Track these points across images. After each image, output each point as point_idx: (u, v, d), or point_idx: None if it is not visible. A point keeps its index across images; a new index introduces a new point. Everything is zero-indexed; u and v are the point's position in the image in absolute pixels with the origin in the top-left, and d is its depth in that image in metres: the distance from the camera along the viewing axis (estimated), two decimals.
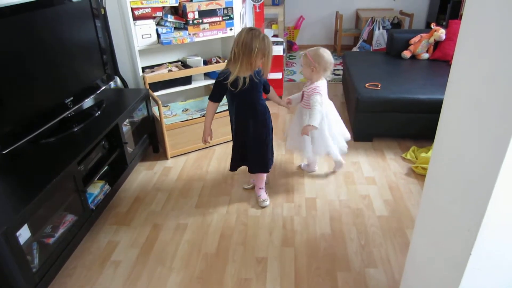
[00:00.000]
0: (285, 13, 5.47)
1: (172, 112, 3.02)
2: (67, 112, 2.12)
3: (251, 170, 2.36)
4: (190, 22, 2.79)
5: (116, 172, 2.42)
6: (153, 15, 2.71)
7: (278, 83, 3.89)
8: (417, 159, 2.77)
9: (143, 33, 2.69)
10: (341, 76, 4.54)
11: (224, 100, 2.17)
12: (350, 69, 3.45)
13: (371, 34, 5.10)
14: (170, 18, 2.79)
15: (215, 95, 2.13)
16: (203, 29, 2.86)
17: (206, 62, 3.14)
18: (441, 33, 3.54)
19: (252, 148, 2.21)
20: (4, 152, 1.71)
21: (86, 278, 1.88)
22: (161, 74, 2.85)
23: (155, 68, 2.97)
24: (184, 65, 3.08)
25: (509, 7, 0.80)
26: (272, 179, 2.61)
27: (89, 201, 2.08)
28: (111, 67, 2.59)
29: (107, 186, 2.27)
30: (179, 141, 2.89)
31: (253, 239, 2.10)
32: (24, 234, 1.59)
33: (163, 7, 2.77)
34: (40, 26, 1.91)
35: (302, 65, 2.39)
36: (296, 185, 2.55)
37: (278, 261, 1.95)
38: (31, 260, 1.64)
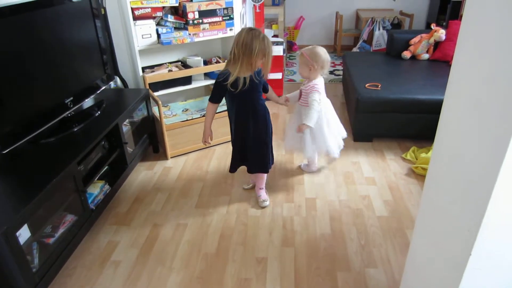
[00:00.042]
0: (285, 13, 5.47)
1: (172, 112, 3.02)
2: (67, 112, 2.12)
3: (251, 170, 2.37)
4: (190, 22, 2.79)
5: (116, 172, 2.42)
6: (153, 15, 2.71)
7: (278, 83, 3.89)
8: (417, 159, 2.77)
9: (143, 33, 2.69)
10: (341, 77, 4.55)
11: (223, 100, 2.17)
12: (350, 69, 3.45)
13: (371, 34, 5.10)
14: (170, 18, 2.79)
15: (215, 96, 2.12)
16: (203, 29, 2.86)
17: (206, 62, 3.14)
18: (441, 33, 3.54)
19: (252, 148, 2.21)
20: (4, 152, 1.71)
21: (86, 278, 1.88)
22: (161, 74, 2.85)
23: (155, 68, 2.97)
24: (184, 65, 3.08)
25: (509, 7, 0.80)
26: (272, 179, 2.61)
27: (89, 201, 2.08)
28: (111, 67, 2.59)
29: (107, 186, 2.27)
30: (179, 141, 2.89)
31: (253, 239, 2.10)
32: (24, 234, 1.59)
33: (163, 7, 2.77)
34: (40, 26, 1.91)
35: (299, 65, 2.38)
36: (296, 185, 2.55)
37: (278, 261, 1.95)
38: (31, 260, 1.64)
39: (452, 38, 3.49)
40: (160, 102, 2.68)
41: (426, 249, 1.30)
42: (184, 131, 2.86)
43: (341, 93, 4.08)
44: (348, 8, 5.54)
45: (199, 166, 2.81)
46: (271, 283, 1.83)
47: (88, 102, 2.40)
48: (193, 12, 2.77)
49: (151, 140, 2.91)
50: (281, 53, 3.80)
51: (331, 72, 4.77)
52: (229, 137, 2.50)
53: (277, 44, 3.88)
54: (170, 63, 3.09)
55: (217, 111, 2.22)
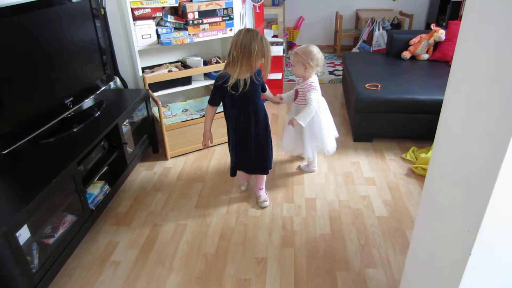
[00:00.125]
0: (285, 14, 5.47)
1: (172, 113, 3.02)
2: (67, 113, 2.12)
3: (251, 171, 2.36)
4: (190, 22, 2.79)
5: (116, 173, 2.42)
6: (153, 15, 2.71)
7: (278, 83, 3.89)
8: (416, 159, 2.77)
9: (143, 33, 2.69)
10: (341, 77, 4.55)
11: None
12: (350, 69, 3.45)
13: (371, 34, 5.11)
14: (170, 18, 2.79)
15: (214, 99, 2.11)
16: (203, 29, 2.86)
17: (206, 63, 3.14)
18: (441, 33, 3.54)
19: (254, 149, 2.20)
20: (4, 152, 1.71)
21: (86, 279, 1.88)
22: (161, 75, 2.85)
23: (155, 68, 2.97)
24: (184, 65, 3.08)
25: (509, 7, 0.81)
26: (272, 179, 2.61)
27: (89, 201, 2.07)
28: (111, 67, 2.59)
29: (107, 187, 2.27)
30: (179, 142, 2.89)
31: (252, 239, 2.10)
32: (24, 234, 1.59)
33: (163, 8, 2.77)
34: (40, 27, 1.91)
35: (293, 65, 2.38)
36: (295, 186, 2.55)
37: (278, 262, 1.95)
38: (31, 261, 1.64)
39: (451, 38, 3.49)
40: (160, 103, 2.68)
41: (426, 249, 1.30)
42: (184, 132, 2.86)
43: (341, 93, 4.08)
44: (348, 8, 5.55)
45: (199, 167, 2.81)
46: (270, 283, 1.83)
47: (88, 103, 2.40)
48: (193, 12, 2.77)
49: (151, 140, 2.90)
50: (281, 54, 3.80)
51: (330, 72, 4.77)
52: None
53: (277, 45, 3.89)
54: (170, 63, 3.09)
55: (217, 111, 2.21)
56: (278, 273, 1.88)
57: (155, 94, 2.86)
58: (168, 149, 2.87)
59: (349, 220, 2.23)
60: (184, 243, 2.09)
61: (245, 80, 1.98)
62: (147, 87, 2.77)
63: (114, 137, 2.35)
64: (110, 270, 1.93)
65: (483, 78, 0.92)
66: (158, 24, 2.79)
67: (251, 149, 2.20)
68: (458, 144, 1.04)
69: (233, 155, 2.28)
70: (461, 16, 4.20)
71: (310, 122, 2.42)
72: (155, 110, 2.89)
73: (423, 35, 3.64)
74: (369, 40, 5.18)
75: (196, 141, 2.93)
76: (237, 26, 3.01)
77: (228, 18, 2.94)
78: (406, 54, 3.67)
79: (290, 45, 5.62)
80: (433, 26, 3.67)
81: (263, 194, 2.40)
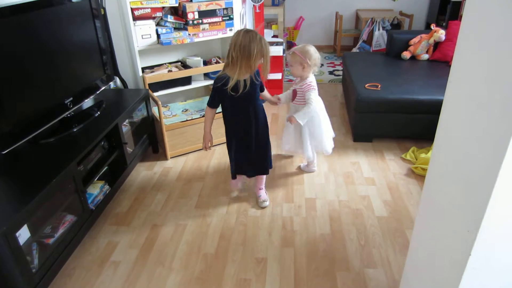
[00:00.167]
0: (285, 14, 5.47)
1: (172, 113, 3.02)
2: (67, 113, 2.12)
3: (252, 174, 2.33)
4: (190, 22, 2.79)
5: (116, 173, 2.42)
6: (153, 15, 2.71)
7: (278, 83, 3.89)
8: (416, 159, 2.77)
9: (143, 33, 2.69)
10: (341, 77, 4.55)
11: None
12: (350, 69, 3.46)
13: (371, 34, 5.11)
14: (170, 18, 2.79)
15: (214, 101, 2.10)
16: (203, 29, 2.86)
17: (206, 63, 3.14)
18: (440, 34, 3.54)
19: (255, 150, 2.20)
20: (4, 152, 1.71)
21: (86, 279, 1.88)
22: (161, 75, 2.85)
23: (155, 68, 2.97)
24: (184, 65, 3.08)
25: (509, 7, 0.81)
26: (271, 180, 2.61)
27: (89, 201, 2.07)
28: (110, 67, 2.59)
29: (106, 187, 2.27)
30: (178, 142, 2.89)
31: (252, 239, 2.10)
32: (23, 234, 1.59)
33: (163, 8, 2.77)
34: (40, 26, 1.91)
35: (290, 65, 2.37)
36: (295, 186, 2.55)
37: (278, 262, 1.95)
38: (31, 261, 1.64)
39: (451, 38, 3.50)
40: (159, 103, 2.68)
41: (426, 249, 1.30)
42: (184, 132, 2.86)
43: (341, 93, 4.09)
44: (348, 9, 5.55)
45: (198, 167, 2.81)
46: (270, 283, 1.83)
47: (87, 103, 2.40)
48: (193, 12, 2.77)
49: (151, 140, 2.90)
50: (281, 54, 3.80)
51: (330, 72, 4.77)
52: None
53: (276, 45, 3.89)
54: (170, 63, 3.09)
55: (216, 111, 2.20)
56: (278, 273, 1.88)
57: (155, 94, 2.86)
58: (168, 149, 2.87)
59: (349, 220, 2.23)
60: (184, 243, 2.09)
61: (245, 81, 1.97)
62: (147, 87, 2.77)
63: (114, 137, 2.35)
64: (110, 270, 1.93)
65: (483, 78, 0.92)
66: (158, 24, 2.79)
67: (252, 150, 2.19)
68: (458, 144, 1.04)
69: (233, 159, 2.25)
70: (461, 16, 4.20)
71: (310, 122, 2.43)
72: (155, 110, 2.89)
73: (423, 35, 3.64)
74: (369, 40, 5.18)
75: (196, 141, 2.93)
76: (237, 26, 3.01)
77: (228, 18, 2.94)
78: (406, 54, 3.67)
79: (290, 45, 5.62)
80: (433, 26, 3.67)
81: (263, 194, 2.40)
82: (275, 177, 2.65)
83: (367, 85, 3.03)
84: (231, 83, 1.95)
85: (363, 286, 1.80)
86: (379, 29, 5.01)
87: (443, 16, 4.99)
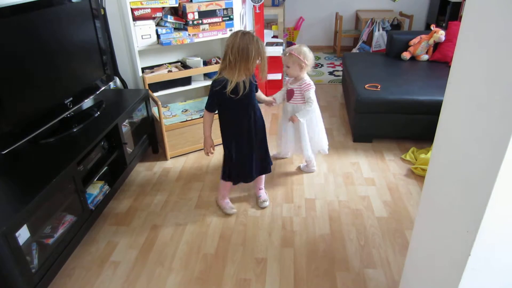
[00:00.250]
0: (285, 14, 5.47)
1: (172, 113, 3.02)
2: (67, 113, 2.12)
3: (256, 174, 2.27)
4: (190, 22, 2.79)
5: (116, 173, 2.42)
6: (153, 15, 2.71)
7: (277, 83, 3.89)
8: (416, 160, 2.77)
9: (143, 33, 2.69)
10: (340, 77, 4.55)
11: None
12: (350, 70, 3.46)
13: (370, 35, 5.11)
14: (170, 18, 2.79)
15: (212, 105, 2.06)
16: (203, 29, 2.86)
17: (205, 63, 3.14)
18: (440, 34, 3.55)
19: (256, 150, 2.19)
20: (4, 152, 1.71)
21: (86, 279, 1.88)
22: (161, 75, 2.85)
23: (154, 68, 2.97)
24: (184, 65, 3.08)
25: (509, 8, 0.81)
26: (271, 180, 2.61)
27: (89, 201, 2.07)
28: (110, 67, 2.59)
29: (106, 187, 2.27)
30: (178, 142, 2.89)
31: (252, 239, 2.10)
32: (23, 234, 1.59)
33: (163, 8, 2.77)
34: (40, 27, 1.91)
35: (287, 66, 2.38)
36: (295, 186, 2.55)
37: (278, 262, 1.95)
38: (31, 261, 1.64)
39: (451, 39, 3.50)
40: (159, 103, 2.68)
41: (426, 249, 1.30)
42: (183, 132, 2.86)
43: (341, 93, 4.09)
44: (347, 9, 5.55)
45: (198, 167, 2.81)
46: (270, 283, 1.83)
47: (87, 103, 2.41)
48: (193, 12, 2.77)
49: (151, 140, 2.91)
50: (281, 54, 3.80)
51: (330, 73, 4.77)
52: None
53: (276, 45, 3.89)
54: (170, 63, 3.09)
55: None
56: (278, 273, 1.88)
57: (155, 94, 2.86)
58: (167, 149, 2.87)
59: (349, 220, 2.23)
60: (183, 243, 2.09)
61: (244, 82, 1.97)
62: (147, 87, 2.77)
63: (114, 137, 2.35)
64: (109, 270, 1.93)
65: (482, 79, 0.92)
66: (158, 24, 2.79)
67: (255, 150, 2.18)
68: (458, 145, 1.05)
69: (235, 162, 2.18)
70: (461, 17, 4.20)
71: (309, 121, 2.45)
72: (154, 110, 2.89)
73: (423, 36, 3.64)
74: (369, 41, 5.19)
75: (196, 142, 2.93)
76: (237, 26, 3.02)
77: (228, 18, 2.94)
78: (406, 55, 3.67)
79: (290, 46, 5.62)
80: (433, 27, 3.67)
81: (263, 194, 2.40)
82: (275, 177, 2.65)
83: (367, 85, 3.03)
84: (230, 86, 1.94)
85: (362, 286, 1.80)
86: (379, 30, 5.01)
87: (443, 16, 5.00)
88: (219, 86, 1.97)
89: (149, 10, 2.67)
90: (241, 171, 2.23)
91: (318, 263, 1.94)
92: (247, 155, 2.18)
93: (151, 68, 2.99)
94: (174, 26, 2.82)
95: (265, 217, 2.28)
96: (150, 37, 2.73)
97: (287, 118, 2.51)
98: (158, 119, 2.78)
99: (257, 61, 1.96)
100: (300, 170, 2.73)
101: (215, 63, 3.13)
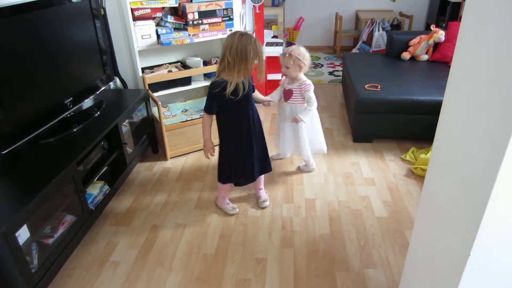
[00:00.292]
0: (285, 14, 5.47)
1: (172, 113, 3.02)
2: (67, 113, 2.12)
3: (257, 174, 2.27)
4: (190, 22, 2.79)
5: (116, 173, 2.42)
6: (153, 15, 2.71)
7: (277, 83, 3.89)
8: (416, 160, 2.77)
9: (143, 33, 2.69)
10: (340, 77, 4.55)
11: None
12: (350, 70, 3.46)
13: (370, 35, 5.11)
14: (170, 18, 2.79)
15: (212, 107, 2.03)
16: (203, 29, 2.87)
17: (205, 63, 3.15)
18: (440, 34, 3.55)
19: (257, 150, 2.20)
20: (4, 152, 1.71)
21: (86, 279, 1.88)
22: (161, 75, 2.85)
23: (154, 68, 2.97)
24: (184, 65, 3.08)
25: (508, 8, 0.81)
26: (271, 180, 2.61)
27: (89, 201, 2.07)
28: (110, 67, 2.59)
29: (106, 187, 2.27)
30: (178, 142, 2.89)
31: (252, 239, 2.10)
32: (23, 234, 1.59)
33: (163, 8, 2.78)
34: (40, 27, 1.91)
35: (286, 66, 2.38)
36: (295, 186, 2.55)
37: (278, 262, 1.95)
38: (30, 261, 1.64)
39: (451, 39, 3.50)
40: (159, 103, 2.68)
41: (425, 250, 1.30)
42: (183, 132, 2.86)
43: (341, 94, 4.09)
44: (347, 9, 5.55)
45: (198, 167, 2.81)
46: (270, 283, 1.83)
47: (87, 103, 2.41)
48: (193, 12, 2.77)
49: (151, 140, 2.91)
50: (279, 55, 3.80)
51: (330, 73, 4.77)
52: None
53: (276, 45, 3.89)
54: (170, 63, 3.09)
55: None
56: (277, 273, 1.88)
57: (155, 94, 2.86)
58: (167, 149, 2.87)
59: (349, 220, 2.23)
60: (183, 243, 2.09)
61: (243, 83, 1.97)
62: (147, 88, 2.77)
63: (113, 137, 2.35)
64: (109, 270, 1.93)
65: (482, 79, 0.92)
66: (158, 25, 2.79)
67: (255, 150, 2.18)
68: (458, 145, 1.05)
69: (235, 166, 2.19)
70: (460, 17, 4.21)
71: (309, 122, 2.46)
72: (154, 110, 2.89)
73: (423, 36, 3.65)
74: (368, 41, 5.19)
75: (195, 142, 2.93)
76: (237, 26, 3.02)
77: (228, 18, 2.94)
78: (405, 55, 3.67)
79: (289, 46, 5.62)
80: (432, 27, 3.67)
81: (263, 194, 2.40)
82: (275, 177, 2.65)
83: (367, 85, 3.03)
84: (230, 87, 1.93)
85: (362, 287, 1.80)
86: (379, 30, 5.01)
87: (443, 17, 5.00)
88: (219, 88, 1.95)
89: (149, 10, 2.67)
90: (242, 171, 2.22)
91: (318, 263, 1.94)
92: (247, 155, 2.17)
93: (151, 68, 2.99)
94: (174, 26, 2.82)
95: (265, 217, 2.28)
96: (150, 37, 2.73)
97: (285, 118, 2.51)
98: (158, 119, 2.78)
99: (255, 62, 1.95)
100: (300, 170, 2.73)
101: (215, 63, 3.13)
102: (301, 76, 2.43)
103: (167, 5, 2.73)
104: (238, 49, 1.87)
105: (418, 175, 2.63)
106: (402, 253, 1.98)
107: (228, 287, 1.82)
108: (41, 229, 1.76)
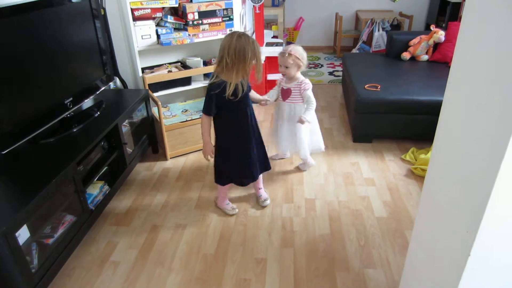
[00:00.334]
0: (285, 14, 5.48)
1: (172, 113, 3.02)
2: (67, 113, 2.12)
3: (257, 175, 2.28)
4: (190, 23, 2.79)
5: (116, 173, 2.42)
6: (153, 15, 2.71)
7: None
8: (416, 160, 2.77)
9: (143, 33, 2.69)
10: (340, 78, 4.55)
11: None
12: (350, 70, 3.46)
13: (370, 35, 5.11)
14: (170, 18, 2.79)
15: (211, 108, 2.01)
16: (203, 30, 2.87)
17: (205, 63, 3.15)
18: (440, 34, 3.55)
19: (256, 149, 2.20)
20: (4, 152, 1.71)
21: (85, 279, 1.88)
22: (161, 75, 2.85)
23: (154, 68, 2.97)
24: (184, 65, 3.08)
25: (509, 8, 0.81)
26: (271, 180, 2.62)
27: (89, 201, 2.07)
28: (110, 67, 2.59)
29: (106, 187, 2.27)
30: (178, 142, 2.89)
31: (252, 239, 2.10)
32: (23, 234, 1.59)
33: (163, 8, 2.78)
34: (40, 27, 1.91)
35: (286, 66, 2.37)
36: (295, 186, 2.55)
37: (277, 262, 1.95)
38: (30, 261, 1.64)
39: (451, 39, 3.50)
40: (159, 103, 2.68)
41: (425, 250, 1.30)
42: (183, 132, 2.87)
43: (341, 94, 4.09)
44: (347, 9, 5.55)
45: (198, 167, 2.81)
46: (270, 283, 1.83)
47: (87, 103, 2.41)
48: (193, 13, 2.77)
49: (151, 140, 2.91)
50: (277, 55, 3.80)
51: (330, 73, 4.77)
52: None
53: (276, 45, 3.89)
54: (170, 63, 3.10)
55: None
56: (277, 273, 1.88)
57: (155, 94, 2.86)
58: (167, 149, 2.87)
59: (349, 220, 2.23)
60: (183, 243, 2.09)
61: (241, 83, 1.97)
62: (147, 88, 2.77)
63: (113, 137, 2.35)
64: (109, 270, 1.93)
65: (482, 79, 0.92)
66: (158, 25, 2.79)
67: (255, 150, 2.18)
68: (458, 145, 1.05)
69: (234, 166, 2.19)
70: (460, 17, 4.21)
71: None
72: (154, 110, 2.89)
73: (423, 36, 3.65)
74: (368, 41, 5.19)
75: (195, 142, 2.93)
76: (237, 26, 3.02)
77: (228, 18, 2.94)
78: (405, 55, 3.67)
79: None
80: (432, 27, 3.67)
81: (264, 193, 2.40)
82: (275, 177, 2.65)
83: (367, 86, 3.03)
84: (230, 89, 1.92)
85: (362, 287, 1.80)
86: (378, 30, 5.01)
87: (443, 17, 5.00)
88: (219, 89, 1.94)
89: (149, 10, 2.68)
90: (243, 171, 2.22)
91: (318, 263, 1.94)
92: (248, 155, 2.17)
93: (151, 68, 2.99)
94: (174, 26, 2.82)
95: (265, 217, 2.28)
96: (150, 37, 2.73)
97: (283, 118, 2.52)
98: (158, 119, 2.78)
99: (253, 62, 1.95)
100: (300, 170, 2.72)
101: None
102: (299, 75, 2.44)
103: (167, 5, 2.73)
104: (237, 50, 1.86)
105: (418, 175, 2.63)
106: (402, 253, 1.98)
107: (228, 287, 1.82)
108: (41, 229, 1.76)
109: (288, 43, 5.56)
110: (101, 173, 2.24)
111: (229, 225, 2.21)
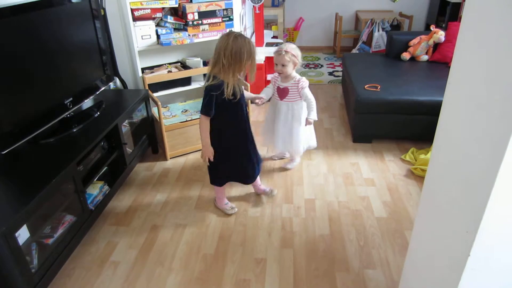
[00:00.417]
0: (285, 15, 5.48)
1: (172, 113, 3.02)
2: (67, 113, 2.12)
3: (256, 174, 2.28)
4: (190, 23, 2.79)
5: (116, 173, 2.42)
6: (153, 16, 2.71)
7: None
8: (416, 160, 2.77)
9: (143, 34, 2.69)
10: (340, 78, 4.55)
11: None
12: (350, 70, 3.46)
13: (370, 35, 5.11)
14: (170, 19, 2.79)
15: (211, 109, 1.97)
16: (203, 30, 2.87)
17: (205, 63, 3.14)
18: (440, 35, 3.55)
19: (252, 149, 2.20)
20: (4, 152, 1.71)
21: (85, 279, 1.88)
22: (161, 75, 2.85)
23: (154, 69, 2.97)
24: (184, 66, 3.08)
25: (509, 8, 0.81)
26: (271, 180, 2.62)
27: (88, 201, 2.07)
28: (110, 67, 2.59)
29: (106, 187, 2.27)
30: (178, 142, 2.89)
31: (252, 240, 2.10)
32: (23, 234, 1.59)
33: (163, 8, 2.78)
34: (40, 27, 1.91)
35: (283, 64, 2.37)
36: (295, 186, 2.55)
37: (277, 262, 1.95)
38: (30, 261, 1.64)
39: (451, 39, 3.50)
40: (159, 103, 2.68)
41: (425, 250, 1.30)
42: (183, 132, 2.87)
43: (341, 94, 4.09)
44: (347, 9, 5.55)
45: (198, 167, 2.81)
46: (270, 283, 1.83)
47: (87, 103, 2.41)
48: (193, 13, 2.77)
49: (151, 141, 2.91)
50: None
51: (330, 73, 4.77)
52: None
53: (276, 45, 3.89)
54: (170, 64, 3.10)
55: None
56: (277, 274, 1.88)
57: (155, 94, 2.86)
58: (167, 149, 2.87)
59: (349, 221, 2.23)
60: (183, 243, 2.09)
61: (238, 83, 1.97)
62: (147, 88, 2.77)
63: (113, 137, 2.35)
64: (109, 270, 1.93)
65: (482, 79, 0.92)
66: (158, 25, 2.80)
67: (251, 149, 2.19)
68: (458, 145, 1.05)
69: (233, 166, 2.19)
70: (460, 17, 4.21)
71: (298, 118, 2.49)
72: (154, 110, 2.89)
73: (423, 36, 3.65)
74: (368, 41, 5.19)
75: (195, 142, 2.93)
76: (237, 27, 3.02)
77: (228, 19, 2.94)
78: (405, 55, 3.67)
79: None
80: (432, 27, 3.68)
81: (266, 187, 2.43)
82: (275, 177, 2.65)
83: (367, 86, 3.03)
84: (229, 89, 1.91)
85: (362, 287, 1.80)
86: (378, 30, 5.01)
87: (443, 17, 5.00)
88: (220, 90, 1.92)
89: (149, 11, 2.68)
90: (242, 171, 2.23)
91: (317, 264, 1.94)
92: (247, 155, 2.18)
93: (151, 68, 2.99)
94: (174, 27, 2.82)
95: (264, 217, 2.28)
96: (150, 38, 2.73)
97: (280, 117, 2.52)
98: (158, 119, 2.78)
99: (249, 63, 1.94)
100: (299, 170, 2.72)
101: None
102: (294, 73, 2.45)
103: (167, 5, 2.73)
104: (233, 51, 1.85)
105: (418, 176, 2.63)
106: (402, 253, 1.98)
107: (228, 287, 1.82)
108: (41, 229, 1.76)
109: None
110: (101, 173, 2.24)
111: (229, 225, 2.22)
